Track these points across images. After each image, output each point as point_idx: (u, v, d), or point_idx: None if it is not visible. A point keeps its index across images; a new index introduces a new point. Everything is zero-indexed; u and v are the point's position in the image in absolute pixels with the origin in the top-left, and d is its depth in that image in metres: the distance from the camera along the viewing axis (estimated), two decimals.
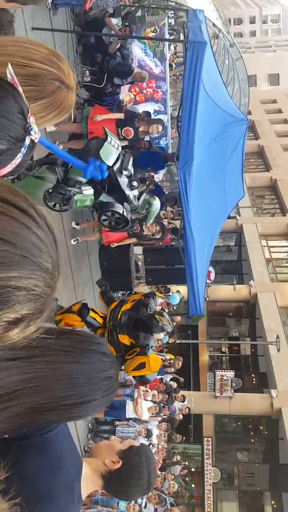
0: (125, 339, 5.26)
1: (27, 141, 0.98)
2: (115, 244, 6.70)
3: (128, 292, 8.86)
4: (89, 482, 1.41)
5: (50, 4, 6.62)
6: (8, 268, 0.72)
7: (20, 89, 0.98)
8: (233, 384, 13.18)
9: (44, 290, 0.78)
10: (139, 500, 7.30)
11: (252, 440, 15.47)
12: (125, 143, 6.66)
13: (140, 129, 6.62)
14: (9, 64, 0.97)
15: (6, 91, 0.95)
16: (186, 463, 14.22)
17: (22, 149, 0.97)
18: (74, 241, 7.45)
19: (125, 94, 8.31)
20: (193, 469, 14.63)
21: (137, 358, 5.17)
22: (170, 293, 10.56)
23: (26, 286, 0.74)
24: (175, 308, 11.24)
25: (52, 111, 1.10)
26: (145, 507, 7.36)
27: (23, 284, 0.74)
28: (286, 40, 51.10)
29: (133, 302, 5.58)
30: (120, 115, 6.63)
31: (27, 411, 1.05)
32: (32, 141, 1.00)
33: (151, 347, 5.17)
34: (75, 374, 1.10)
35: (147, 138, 7.11)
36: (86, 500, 6.64)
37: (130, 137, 6.62)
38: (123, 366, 5.32)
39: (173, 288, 10.73)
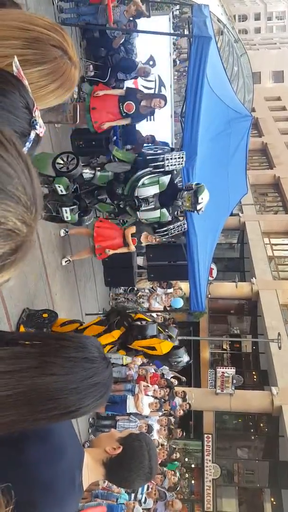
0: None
1: (32, 135, 0.97)
2: (111, 252, 6.55)
3: (130, 288, 8.87)
4: (91, 471, 1.42)
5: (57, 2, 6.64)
6: None
7: (25, 82, 0.96)
8: (234, 381, 13.18)
9: (18, 226, 0.69)
10: (139, 496, 7.33)
11: (252, 437, 15.49)
12: (128, 120, 6.59)
13: (142, 103, 6.51)
14: (15, 57, 0.94)
15: (12, 85, 0.93)
16: (186, 459, 14.28)
17: (27, 143, 0.95)
18: (66, 261, 6.99)
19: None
20: (193, 466, 14.68)
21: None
22: (172, 295, 10.49)
23: None
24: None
25: (54, 80, 1.05)
26: (144, 502, 7.39)
27: None
28: None
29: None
30: (122, 91, 6.60)
31: (12, 422, 1.04)
32: (37, 135, 0.98)
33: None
34: (53, 388, 1.06)
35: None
36: (86, 494, 6.67)
37: (131, 112, 6.53)
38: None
39: (177, 284, 10.71)
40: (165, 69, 8.75)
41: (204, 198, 5.39)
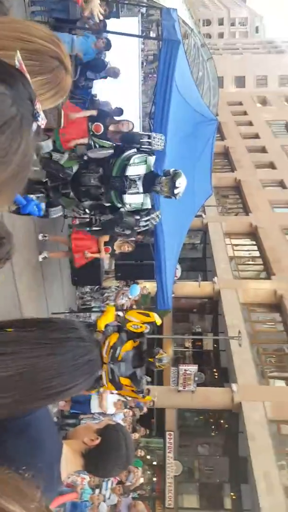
0: (126, 381, 5.58)
1: (34, 126, 1.02)
2: (89, 255, 6.70)
3: (98, 287, 8.87)
4: (69, 463, 1.45)
5: (28, 3, 6.57)
6: None
7: (27, 75, 1.01)
8: (196, 379, 13.42)
9: None
10: (104, 491, 7.36)
11: (213, 434, 15.82)
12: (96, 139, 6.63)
13: (110, 128, 6.61)
14: (18, 52, 0.98)
15: (15, 78, 0.96)
16: (148, 457, 14.40)
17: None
18: (42, 258, 7.18)
19: None
20: (154, 463, 14.82)
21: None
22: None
23: None
24: (137, 299, 11.21)
25: (50, 89, 1.12)
26: (109, 498, 7.44)
27: None
28: (253, 44, 52.10)
29: (135, 343, 5.69)
30: (94, 112, 6.59)
31: (12, 403, 1.09)
32: (39, 126, 1.03)
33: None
34: (54, 366, 1.12)
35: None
36: None
37: (99, 133, 6.59)
38: None
39: (142, 283, 10.78)
40: (134, 70, 8.83)
41: (181, 183, 5.41)
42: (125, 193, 5.66)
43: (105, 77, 7.93)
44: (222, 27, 63.33)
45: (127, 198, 5.69)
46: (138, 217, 5.92)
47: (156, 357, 5.63)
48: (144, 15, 13.57)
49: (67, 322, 1.23)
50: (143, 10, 12.53)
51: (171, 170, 5.52)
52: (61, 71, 1.12)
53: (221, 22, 63.66)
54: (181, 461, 14.23)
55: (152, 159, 5.72)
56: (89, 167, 5.87)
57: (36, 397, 1.14)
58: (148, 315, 5.96)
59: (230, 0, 73.01)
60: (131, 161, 5.62)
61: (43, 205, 5.74)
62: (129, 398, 9.06)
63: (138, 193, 5.65)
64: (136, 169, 5.65)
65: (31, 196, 5.53)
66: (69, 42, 6.93)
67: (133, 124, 6.82)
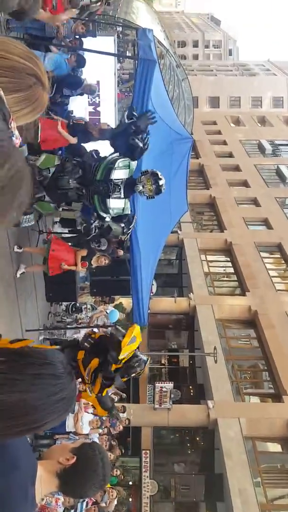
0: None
1: None
2: (66, 266, 6.63)
3: (73, 303, 8.75)
4: (44, 483, 1.42)
5: (4, 22, 6.58)
6: None
7: (1, 93, 1.01)
8: (172, 396, 13.33)
9: None
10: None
11: (189, 452, 15.69)
12: (74, 140, 6.61)
13: (94, 133, 6.63)
14: None
15: None
16: (123, 476, 14.12)
17: None
18: (20, 273, 7.15)
19: None
20: (130, 483, 14.55)
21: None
22: (109, 309, 10.40)
23: None
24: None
25: (27, 106, 1.12)
26: None
27: None
28: (227, 66, 53.59)
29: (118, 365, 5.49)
30: (74, 140, 6.59)
31: None
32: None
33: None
34: (24, 404, 1.08)
35: None
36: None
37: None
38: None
39: (118, 299, 10.73)
40: (110, 88, 8.93)
41: (162, 177, 5.45)
42: (109, 197, 5.63)
43: (82, 94, 7.99)
44: (197, 49, 65.01)
45: (111, 202, 5.65)
46: (122, 225, 5.91)
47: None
48: (120, 35, 13.82)
49: (42, 356, 1.17)
50: (119, 29, 12.76)
51: (148, 169, 5.54)
52: (38, 87, 1.12)
53: (195, 44, 65.37)
54: (157, 480, 14.00)
55: (134, 164, 5.73)
56: (65, 169, 5.79)
57: (4, 434, 1.10)
58: (135, 339, 5.71)
59: (205, 23, 75.22)
60: (116, 165, 5.62)
61: None
62: (104, 418, 8.93)
63: (120, 197, 5.64)
64: (120, 173, 5.66)
65: None
66: (40, 58, 6.99)
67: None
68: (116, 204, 5.65)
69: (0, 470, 1.25)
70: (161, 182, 5.36)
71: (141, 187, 5.41)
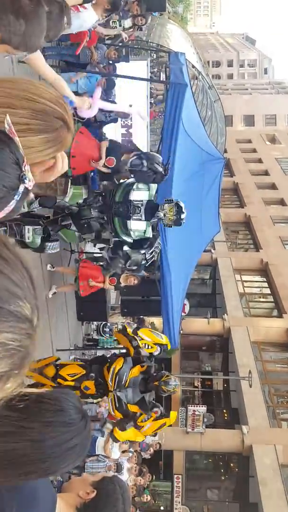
0: (134, 408, 5.23)
1: (21, 188, 1.03)
2: (93, 283, 6.70)
3: (103, 324, 8.78)
4: None
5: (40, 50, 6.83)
6: None
7: (16, 138, 1.03)
8: (205, 420, 13.04)
9: (22, 342, 0.71)
10: None
11: (223, 478, 15.21)
12: (108, 170, 6.72)
13: (123, 157, 6.71)
14: (7, 116, 1.03)
15: (2, 142, 1.00)
16: (155, 501, 13.82)
17: (16, 196, 1.02)
18: (52, 293, 7.35)
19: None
20: (162, 508, 14.22)
21: (155, 423, 5.22)
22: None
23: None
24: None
25: (52, 146, 1.18)
26: None
27: None
28: (261, 84, 53.53)
29: (142, 368, 5.39)
30: (106, 143, 6.66)
31: None
32: (26, 188, 1.05)
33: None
34: (35, 453, 1.07)
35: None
36: None
37: (111, 166, 6.68)
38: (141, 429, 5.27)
39: (149, 319, 10.70)
40: (143, 111, 9.06)
41: (185, 209, 5.43)
42: (129, 219, 5.68)
43: (115, 121, 8.14)
44: (232, 68, 65.38)
45: (132, 224, 5.70)
46: (143, 251, 5.91)
47: (162, 379, 5.32)
48: (153, 57, 14.08)
49: (56, 401, 1.15)
50: (153, 53, 13.01)
51: (173, 199, 5.55)
52: (63, 130, 1.19)
53: (230, 64, 65.78)
54: (189, 506, 13.63)
55: (154, 187, 5.78)
56: (87, 201, 5.94)
57: (16, 480, 1.09)
58: (161, 337, 5.77)
59: (240, 43, 75.71)
60: (135, 186, 5.69)
61: (38, 239, 5.66)
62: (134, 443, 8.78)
63: (141, 220, 5.67)
64: (139, 194, 5.71)
65: (28, 227, 5.48)
66: (73, 82, 7.19)
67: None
68: (137, 226, 5.69)
69: (19, 505, 1.23)
70: (182, 216, 5.38)
71: (162, 215, 5.45)
